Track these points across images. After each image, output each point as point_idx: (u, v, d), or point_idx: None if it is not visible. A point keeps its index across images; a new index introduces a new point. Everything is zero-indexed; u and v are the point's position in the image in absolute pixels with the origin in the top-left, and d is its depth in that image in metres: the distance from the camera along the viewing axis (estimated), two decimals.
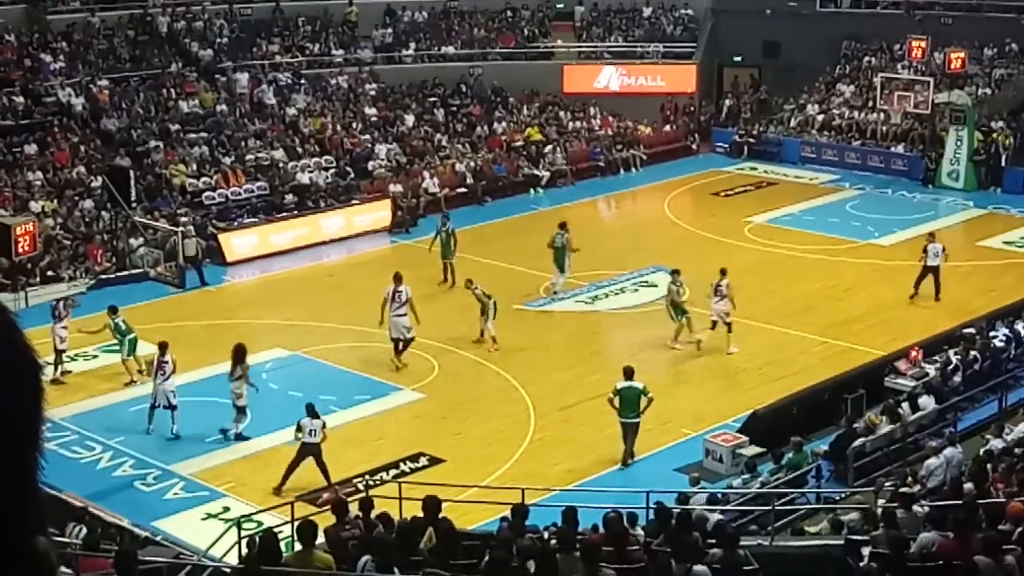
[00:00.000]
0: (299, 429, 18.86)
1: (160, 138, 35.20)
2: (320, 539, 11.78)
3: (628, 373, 19.86)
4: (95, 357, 24.59)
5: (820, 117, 42.44)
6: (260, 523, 15.82)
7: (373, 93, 41.17)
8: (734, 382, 23.11)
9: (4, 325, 1.28)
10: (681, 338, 24.52)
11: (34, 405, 1.28)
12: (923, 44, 41.23)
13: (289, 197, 34.34)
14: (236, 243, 31.92)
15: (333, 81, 41.16)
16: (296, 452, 18.78)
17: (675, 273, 25.28)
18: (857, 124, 41.57)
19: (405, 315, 23.69)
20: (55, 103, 35.40)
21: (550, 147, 40.02)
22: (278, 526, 14.72)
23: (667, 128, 43.50)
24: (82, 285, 28.35)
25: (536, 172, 38.94)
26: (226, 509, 18.24)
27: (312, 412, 18.88)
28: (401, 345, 23.78)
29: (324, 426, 18.83)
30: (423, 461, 19.95)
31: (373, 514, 13.08)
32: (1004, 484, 14.24)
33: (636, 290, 28.49)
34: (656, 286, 28.55)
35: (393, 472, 19.36)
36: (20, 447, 1.23)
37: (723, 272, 24.47)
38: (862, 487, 17.27)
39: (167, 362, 21.07)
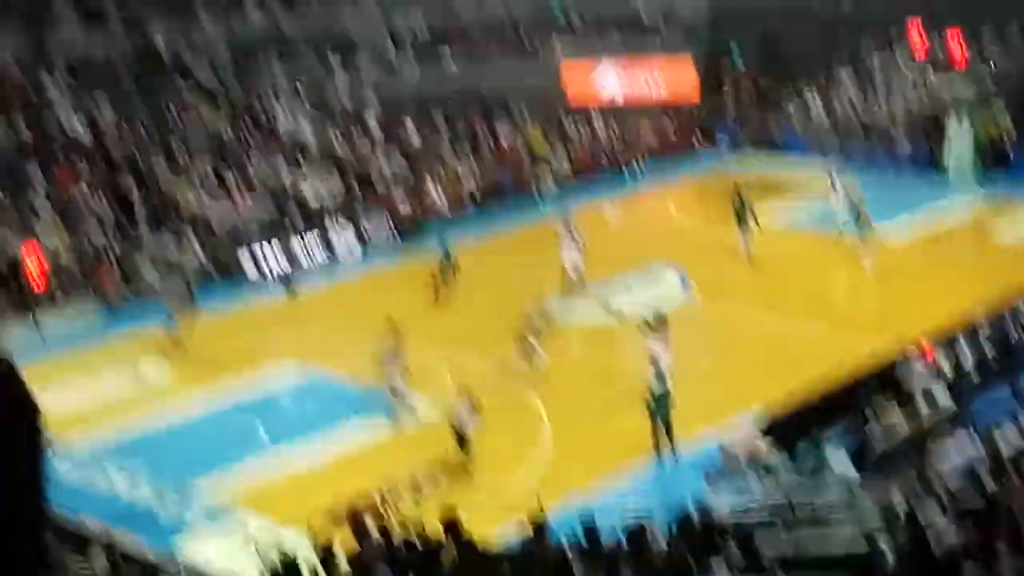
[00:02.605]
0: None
1: (165, 161, 35.24)
2: (342, 561, 11.79)
3: (659, 374, 20.24)
4: (108, 382, 24.62)
5: (822, 109, 42.44)
6: (281, 546, 15.78)
7: (376, 108, 41.22)
8: (748, 381, 23.04)
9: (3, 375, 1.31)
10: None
11: (34, 449, 1.32)
12: (924, 33, 41.22)
13: (297, 216, 34.36)
14: (246, 263, 31.92)
15: (336, 98, 41.19)
16: None
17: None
18: (859, 117, 41.56)
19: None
20: (60, 130, 35.43)
21: (553, 154, 40.07)
22: (299, 549, 14.69)
23: (669, 128, 43.53)
24: (92, 311, 28.44)
25: (541, 179, 38.97)
26: (246, 532, 18.22)
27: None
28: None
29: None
30: (442, 477, 19.91)
31: (394, 534, 13.06)
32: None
33: (645, 290, 28.50)
34: (664, 288, 28.64)
35: (413, 489, 19.35)
36: (23, 483, 1.27)
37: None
38: (880, 484, 17.22)
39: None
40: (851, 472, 18.18)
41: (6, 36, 37.66)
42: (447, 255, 29.32)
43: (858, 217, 29.14)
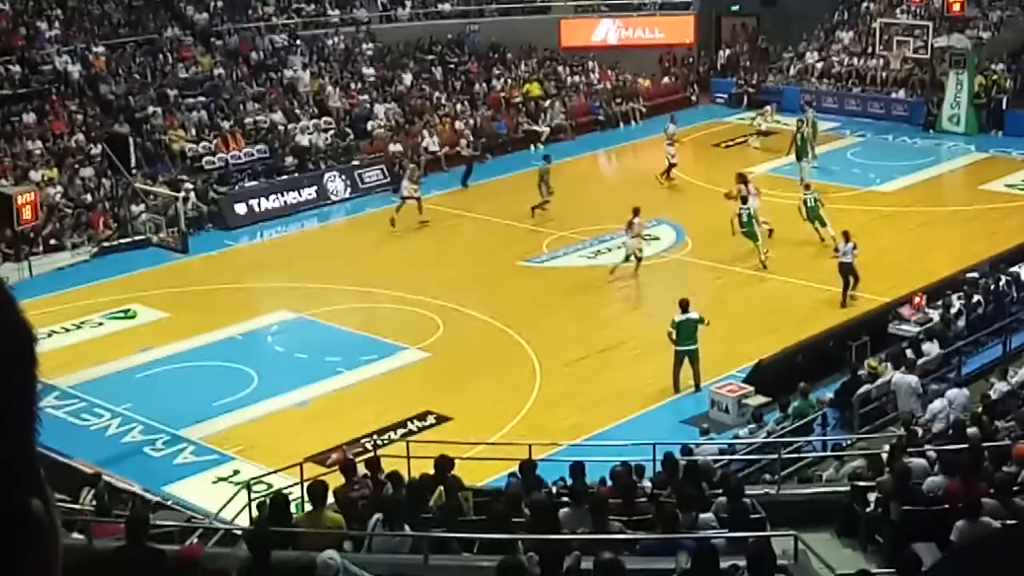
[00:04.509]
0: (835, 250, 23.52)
1: (158, 103, 35.10)
2: (330, 499, 11.86)
3: (684, 305, 20.41)
4: (100, 324, 24.66)
5: (819, 65, 42.28)
6: (270, 485, 15.92)
7: (370, 53, 41.02)
8: (738, 332, 23.06)
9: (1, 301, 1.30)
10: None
11: (29, 378, 1.30)
12: None
13: (289, 160, 34.29)
14: (238, 207, 31.88)
15: (329, 42, 40.98)
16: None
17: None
18: (856, 71, 41.43)
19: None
20: (52, 71, 35.24)
21: (549, 102, 39.92)
22: (288, 487, 14.81)
23: (666, 80, 43.36)
24: (85, 253, 28.39)
25: (536, 128, 38.85)
26: (236, 472, 18.35)
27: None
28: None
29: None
30: (430, 419, 20.03)
31: (382, 474, 13.14)
32: (1009, 426, 14.31)
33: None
34: (659, 239, 28.59)
35: (401, 431, 19.44)
36: (15, 418, 1.27)
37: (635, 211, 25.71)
38: (867, 433, 17.36)
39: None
40: (836, 421, 18.24)
41: None
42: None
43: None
